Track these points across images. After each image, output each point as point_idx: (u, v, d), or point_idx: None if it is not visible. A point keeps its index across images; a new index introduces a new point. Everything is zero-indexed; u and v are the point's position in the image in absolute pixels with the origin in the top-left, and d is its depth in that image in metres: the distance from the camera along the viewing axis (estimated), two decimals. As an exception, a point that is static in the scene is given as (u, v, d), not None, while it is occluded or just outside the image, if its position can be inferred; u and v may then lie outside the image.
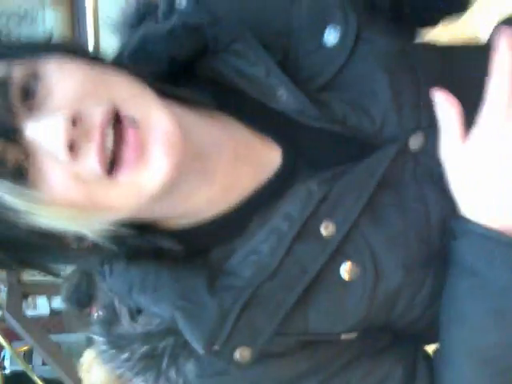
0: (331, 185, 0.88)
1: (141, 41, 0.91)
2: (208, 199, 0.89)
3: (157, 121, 0.78)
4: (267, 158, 0.92)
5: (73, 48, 0.85)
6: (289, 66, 0.91)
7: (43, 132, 0.74)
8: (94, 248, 0.82)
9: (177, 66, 0.92)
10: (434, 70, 0.95)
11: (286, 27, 0.94)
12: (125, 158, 0.76)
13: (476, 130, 0.84)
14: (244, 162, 0.91)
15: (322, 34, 0.92)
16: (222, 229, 0.90)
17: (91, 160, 0.75)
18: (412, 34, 1.09)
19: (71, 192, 0.76)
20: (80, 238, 0.81)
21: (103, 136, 0.75)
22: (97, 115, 0.75)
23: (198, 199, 0.88)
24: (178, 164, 0.78)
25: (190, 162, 0.83)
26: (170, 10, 0.94)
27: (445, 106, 0.85)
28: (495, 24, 1.13)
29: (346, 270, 0.87)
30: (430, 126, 0.90)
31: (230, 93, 0.93)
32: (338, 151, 0.92)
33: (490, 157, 0.83)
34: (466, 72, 0.98)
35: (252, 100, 0.92)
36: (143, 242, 0.87)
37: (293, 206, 0.88)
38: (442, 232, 0.90)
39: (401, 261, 0.89)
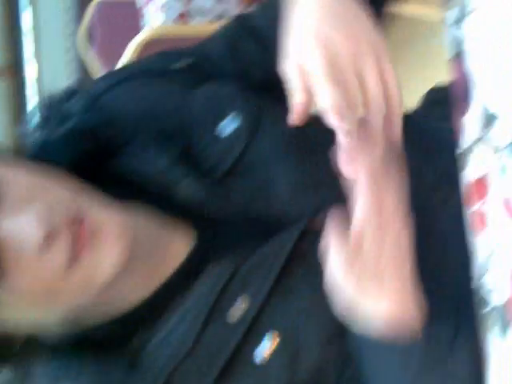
0: (240, 265, 0.90)
1: (38, 148, 0.94)
2: (127, 289, 0.91)
3: (104, 213, 0.84)
4: (181, 242, 0.95)
5: (20, 151, 0.94)
6: (190, 159, 0.95)
7: (17, 229, 0.78)
8: (31, 344, 0.87)
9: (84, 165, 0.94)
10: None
11: (182, 121, 0.97)
12: (80, 248, 0.80)
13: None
14: (160, 248, 0.94)
15: (218, 124, 0.96)
16: (142, 314, 0.92)
17: (60, 254, 0.79)
18: None
19: (35, 282, 0.79)
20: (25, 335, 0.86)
21: (69, 231, 0.80)
22: (61, 212, 0.80)
23: (117, 291, 0.90)
24: (127, 251, 0.83)
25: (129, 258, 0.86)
26: (64, 114, 0.96)
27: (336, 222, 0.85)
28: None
29: (260, 350, 0.88)
30: (335, 206, 0.91)
31: (135, 185, 0.96)
32: (246, 232, 0.94)
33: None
34: None
35: (154, 195, 0.95)
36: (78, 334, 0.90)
37: (204, 286, 0.90)
38: None
39: (317, 334, 0.90)
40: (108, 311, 0.91)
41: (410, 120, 1.12)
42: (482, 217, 0.83)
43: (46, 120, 0.98)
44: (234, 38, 1.06)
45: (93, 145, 0.95)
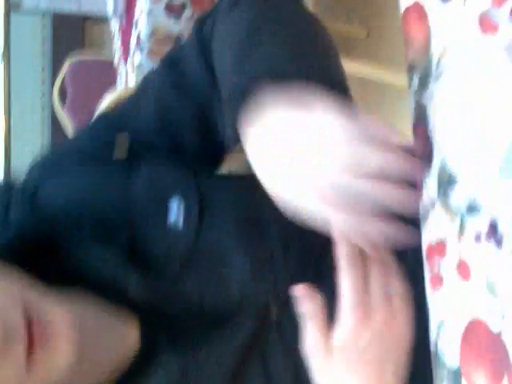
0: (189, 361, 0.89)
1: None
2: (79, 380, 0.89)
3: (56, 312, 0.81)
4: (128, 336, 0.92)
5: None
6: (137, 252, 0.91)
7: None
8: None
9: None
10: (288, 230, 0.95)
11: (125, 212, 0.94)
12: (33, 356, 0.77)
13: (337, 332, 0.84)
14: (106, 341, 0.91)
15: (165, 214, 0.92)
16: None
17: (17, 359, 0.77)
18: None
19: None
20: None
21: (25, 334, 0.77)
22: (17, 314, 0.78)
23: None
24: (79, 348, 0.81)
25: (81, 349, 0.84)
26: (5, 222, 0.93)
27: (306, 301, 0.85)
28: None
29: None
30: (289, 294, 0.91)
31: (84, 280, 0.93)
32: (198, 324, 0.92)
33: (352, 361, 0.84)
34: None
35: (103, 288, 0.92)
36: None
37: (155, 381, 0.88)
38: None
39: None
40: None
41: None
42: (439, 278, 0.84)
43: None
44: (162, 98, 1.01)
45: (37, 247, 0.92)
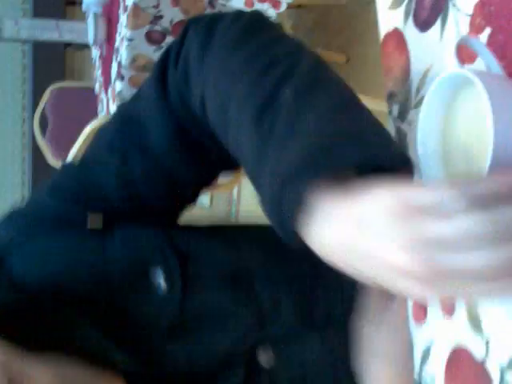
0: None
1: None
2: None
3: (39, 378, 0.79)
4: None
5: None
6: (121, 322, 0.88)
7: None
8: None
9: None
10: (275, 280, 0.95)
11: (104, 282, 0.90)
12: None
13: None
14: None
15: (146, 281, 0.90)
16: None
17: None
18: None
19: None
20: None
21: None
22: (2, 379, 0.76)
23: None
24: None
25: None
26: None
27: None
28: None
29: None
30: (276, 342, 0.92)
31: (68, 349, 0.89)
32: (187, 382, 0.91)
33: None
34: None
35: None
36: None
37: None
38: None
39: None
40: None
41: None
42: (422, 308, 0.84)
43: None
44: (123, 164, 0.95)
45: (16, 320, 0.86)
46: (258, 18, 0.89)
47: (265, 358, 0.91)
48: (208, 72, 0.84)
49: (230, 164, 0.95)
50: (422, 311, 0.84)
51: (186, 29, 0.91)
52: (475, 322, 0.74)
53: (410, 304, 0.86)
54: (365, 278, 0.64)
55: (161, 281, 0.89)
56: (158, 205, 0.97)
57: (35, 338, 0.85)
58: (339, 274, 0.67)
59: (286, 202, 0.66)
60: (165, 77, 0.91)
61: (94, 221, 0.93)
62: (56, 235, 0.93)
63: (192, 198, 1.01)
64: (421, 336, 0.85)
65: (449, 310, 0.79)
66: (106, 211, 0.94)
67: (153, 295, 0.89)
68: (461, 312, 0.77)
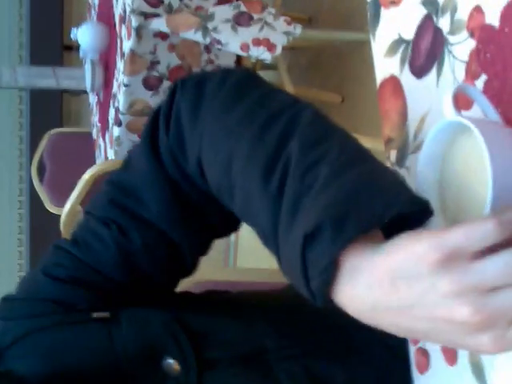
0: None
1: None
2: None
3: None
4: None
5: None
6: None
7: None
8: None
9: None
10: (291, 358, 0.93)
11: (116, 371, 0.85)
12: None
13: None
14: None
15: (160, 366, 0.86)
16: None
17: None
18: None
19: None
20: None
21: None
22: None
23: None
24: None
25: None
26: None
27: None
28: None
29: None
30: None
31: None
32: None
33: None
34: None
35: None
36: None
37: None
38: None
39: None
40: None
41: None
42: (424, 356, 0.83)
43: None
44: (121, 242, 0.91)
45: None
46: (246, 75, 0.86)
47: None
48: (203, 135, 0.82)
49: (233, 226, 0.94)
50: (424, 361, 0.83)
51: (173, 91, 0.88)
52: (478, 371, 0.73)
53: (412, 354, 0.86)
54: (413, 335, 0.64)
55: (175, 367, 0.85)
56: (159, 276, 0.94)
57: None
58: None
59: (313, 262, 0.63)
60: (156, 144, 0.87)
61: (100, 314, 0.89)
62: (59, 330, 0.88)
63: (192, 267, 0.97)
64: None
65: (451, 359, 0.78)
66: (107, 291, 0.91)
67: (167, 382, 0.85)
68: (464, 361, 0.76)
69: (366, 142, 2.24)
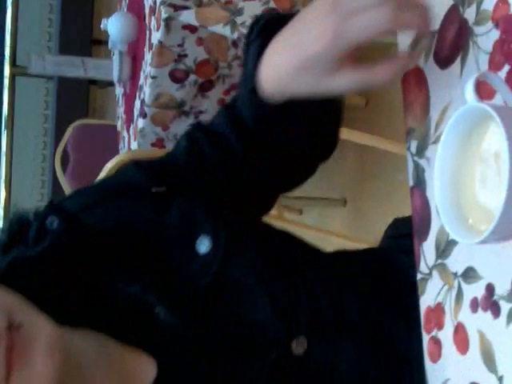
0: None
1: (11, 265, 0.92)
2: None
3: (41, 327, 0.82)
4: (143, 371, 0.92)
5: None
6: (165, 278, 0.93)
7: None
8: None
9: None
10: (313, 272, 1.00)
11: (158, 242, 0.96)
12: (12, 363, 0.78)
13: None
14: (119, 376, 0.91)
15: (193, 244, 0.95)
16: None
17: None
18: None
19: None
20: None
21: (7, 341, 0.78)
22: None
23: None
24: (61, 368, 0.80)
25: (65, 377, 0.83)
26: (41, 232, 0.94)
27: None
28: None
29: None
30: (311, 330, 0.93)
31: (106, 307, 0.94)
32: (219, 357, 0.93)
33: None
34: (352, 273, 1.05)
35: (129, 314, 0.93)
36: None
37: None
38: None
39: None
40: None
41: (374, 253, 1.16)
42: (437, 344, 0.84)
43: (15, 237, 0.95)
44: (194, 144, 1.04)
45: (67, 263, 0.92)
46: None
47: (298, 346, 0.91)
48: None
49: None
50: (436, 350, 0.84)
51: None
52: (489, 359, 0.74)
53: (426, 343, 0.86)
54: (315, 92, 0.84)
55: (206, 244, 0.94)
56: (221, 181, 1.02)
57: (70, 298, 0.91)
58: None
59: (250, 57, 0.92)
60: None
61: (158, 188, 1.00)
62: (120, 203, 1.01)
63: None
64: (436, 375, 0.85)
65: (463, 348, 0.79)
66: (174, 179, 1.02)
67: (196, 257, 0.93)
68: (475, 350, 0.77)
69: (389, 146, 2.24)
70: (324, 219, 3.38)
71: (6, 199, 4.58)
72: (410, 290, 0.90)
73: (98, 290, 0.93)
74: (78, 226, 0.95)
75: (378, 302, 0.99)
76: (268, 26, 0.93)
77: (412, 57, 0.84)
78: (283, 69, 0.85)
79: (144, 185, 1.01)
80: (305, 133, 0.97)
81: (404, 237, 0.91)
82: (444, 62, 0.83)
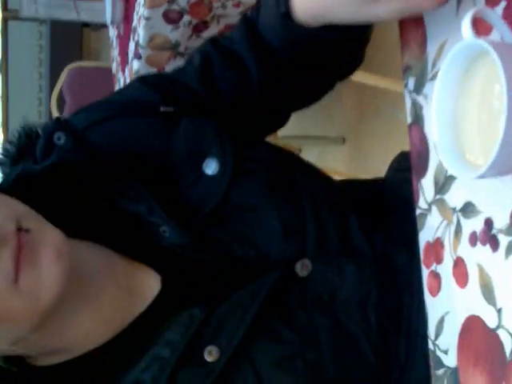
0: (214, 309, 0.89)
1: (19, 178, 0.93)
2: (87, 331, 0.90)
3: (48, 232, 0.85)
4: (147, 287, 0.94)
5: None
6: (171, 199, 0.95)
7: None
8: None
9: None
10: (320, 197, 1.00)
11: (164, 161, 0.97)
12: (20, 263, 0.81)
13: None
14: (124, 290, 0.93)
15: (200, 165, 0.96)
16: (100, 361, 0.90)
17: (7, 263, 0.80)
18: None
19: None
20: None
21: (15, 239, 0.82)
22: (7, 226, 0.82)
23: (77, 331, 0.90)
24: (67, 272, 0.83)
25: (71, 287, 0.86)
26: (48, 147, 0.95)
27: None
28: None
29: None
30: (316, 253, 0.94)
31: (113, 225, 0.96)
32: (224, 279, 0.94)
33: None
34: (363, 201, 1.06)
35: (135, 233, 0.95)
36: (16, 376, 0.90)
37: (174, 332, 0.88)
38: (336, 360, 0.91)
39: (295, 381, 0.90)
40: (66, 352, 0.90)
41: (380, 183, 1.16)
42: (436, 278, 0.85)
43: (24, 150, 0.97)
44: (207, 65, 1.04)
45: (74, 179, 0.94)
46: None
47: (302, 268, 0.93)
48: None
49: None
50: (436, 284, 0.85)
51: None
52: (488, 292, 0.75)
53: (425, 278, 0.88)
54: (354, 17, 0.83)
55: (214, 166, 0.95)
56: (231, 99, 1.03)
57: (77, 211, 0.95)
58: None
59: None
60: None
61: (166, 108, 1.01)
62: (129, 121, 1.02)
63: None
64: (435, 308, 0.86)
65: (462, 282, 0.80)
66: (182, 100, 1.03)
67: (203, 178, 0.95)
68: (474, 282, 0.78)
69: (387, 84, 2.21)
70: (323, 158, 3.38)
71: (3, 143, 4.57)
72: (413, 219, 0.91)
73: (105, 206, 0.95)
74: (84, 143, 0.96)
75: (381, 228, 1.00)
76: None
77: None
78: None
79: (152, 104, 1.01)
80: (333, 56, 0.97)
81: (409, 169, 0.91)
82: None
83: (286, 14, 0.89)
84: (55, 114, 3.42)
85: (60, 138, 0.93)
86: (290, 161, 1.09)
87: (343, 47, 0.95)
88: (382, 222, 1.02)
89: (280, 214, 0.95)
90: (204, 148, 0.97)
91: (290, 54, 0.95)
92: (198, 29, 2.34)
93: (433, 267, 0.86)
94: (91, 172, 0.94)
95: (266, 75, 0.99)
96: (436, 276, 0.85)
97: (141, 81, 1.07)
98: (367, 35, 0.98)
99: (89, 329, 0.90)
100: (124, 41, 2.60)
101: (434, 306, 0.86)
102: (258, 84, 1.00)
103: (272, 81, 1.00)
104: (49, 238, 0.84)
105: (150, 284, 0.94)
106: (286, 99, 1.06)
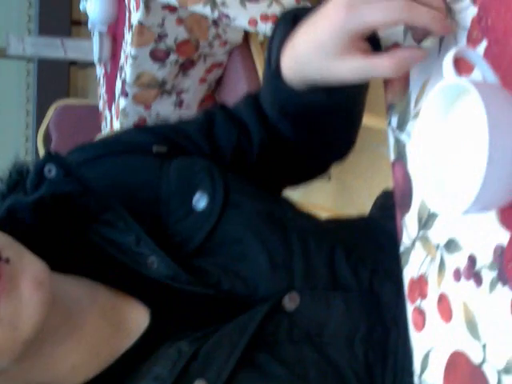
0: (201, 343, 0.88)
1: (9, 210, 0.93)
2: (73, 365, 0.90)
3: (28, 262, 0.84)
4: (135, 320, 0.94)
5: None
6: (160, 233, 0.96)
7: None
8: None
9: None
10: (307, 231, 1.01)
11: (155, 196, 0.99)
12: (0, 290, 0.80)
13: None
14: (111, 324, 0.93)
15: (190, 200, 0.98)
16: None
17: None
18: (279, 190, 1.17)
19: None
20: None
21: None
22: None
23: (63, 365, 0.89)
24: (48, 301, 0.83)
25: (55, 319, 0.86)
26: (39, 180, 0.95)
27: None
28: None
29: None
30: (304, 287, 0.95)
31: (100, 257, 0.96)
32: (212, 312, 0.94)
33: None
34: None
35: (123, 265, 0.95)
36: None
37: (162, 366, 0.87)
38: None
39: None
40: None
41: (365, 220, 1.18)
42: (421, 314, 0.86)
43: (14, 185, 0.97)
44: (211, 118, 1.08)
45: (63, 212, 0.94)
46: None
47: (290, 302, 0.93)
48: None
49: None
50: (421, 320, 0.86)
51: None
52: (472, 327, 0.76)
53: (410, 313, 0.88)
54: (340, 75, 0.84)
55: (203, 201, 0.97)
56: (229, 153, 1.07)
57: (64, 245, 0.95)
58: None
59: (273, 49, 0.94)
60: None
61: (159, 148, 1.04)
62: (121, 159, 1.04)
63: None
64: (420, 344, 0.86)
65: (447, 316, 0.81)
66: (178, 144, 1.06)
67: (193, 214, 0.97)
68: (458, 317, 0.78)
69: (370, 120, 2.24)
70: (309, 194, 3.40)
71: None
72: (398, 255, 0.92)
73: (92, 238, 0.95)
74: (74, 174, 0.96)
75: (368, 264, 1.01)
76: (295, 16, 0.95)
77: (420, 51, 0.82)
78: (301, 47, 0.88)
79: (146, 144, 1.04)
80: (322, 128, 1.01)
81: (393, 207, 0.92)
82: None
83: (277, 72, 0.93)
84: (42, 151, 3.42)
85: (51, 171, 0.94)
86: (277, 195, 1.12)
87: (334, 120, 1.00)
88: (368, 257, 1.02)
89: (267, 248, 0.96)
90: (194, 182, 0.99)
91: (284, 124, 1.00)
92: (184, 67, 2.36)
93: (417, 303, 0.86)
94: (80, 204, 0.95)
95: (266, 143, 1.04)
96: (421, 312, 0.86)
97: (133, 128, 1.12)
98: (357, 118, 1.06)
99: (75, 362, 0.89)
100: (111, 79, 2.62)
101: (419, 342, 0.87)
102: (258, 149, 1.05)
103: (269, 151, 1.06)
104: (28, 267, 0.84)
105: (137, 318, 0.94)
106: (281, 174, 1.11)
